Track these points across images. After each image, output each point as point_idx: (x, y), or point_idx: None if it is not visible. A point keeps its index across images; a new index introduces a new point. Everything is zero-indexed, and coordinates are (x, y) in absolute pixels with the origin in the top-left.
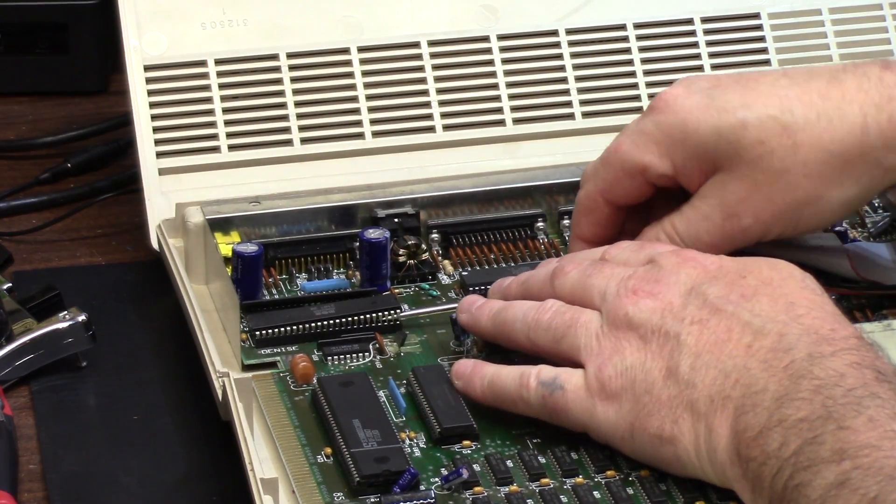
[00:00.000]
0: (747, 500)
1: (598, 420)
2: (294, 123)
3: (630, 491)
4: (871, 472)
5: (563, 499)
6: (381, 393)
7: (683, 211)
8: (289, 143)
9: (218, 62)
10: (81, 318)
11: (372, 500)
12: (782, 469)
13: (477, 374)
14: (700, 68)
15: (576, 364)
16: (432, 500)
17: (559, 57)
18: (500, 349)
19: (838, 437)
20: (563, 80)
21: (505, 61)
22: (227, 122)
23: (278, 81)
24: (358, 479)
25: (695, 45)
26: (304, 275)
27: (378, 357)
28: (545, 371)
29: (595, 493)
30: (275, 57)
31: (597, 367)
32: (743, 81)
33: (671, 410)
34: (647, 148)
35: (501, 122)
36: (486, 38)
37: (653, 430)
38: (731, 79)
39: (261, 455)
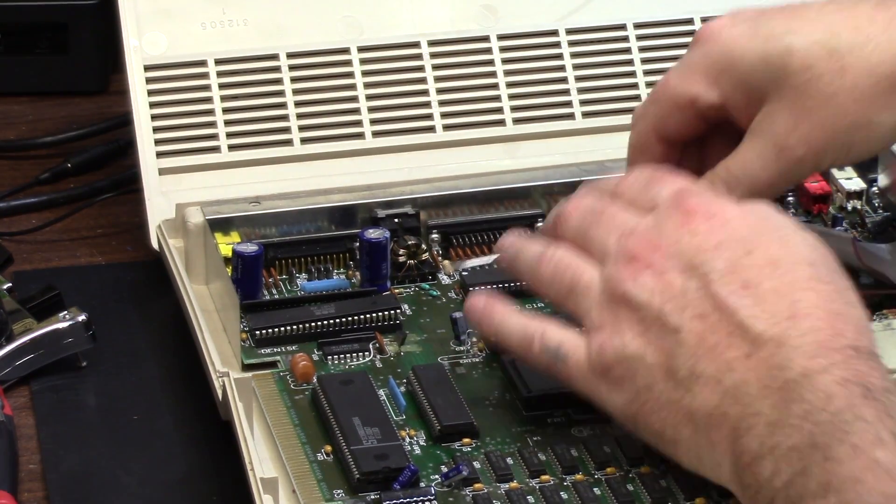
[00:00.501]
0: None
1: (603, 399)
2: (294, 123)
3: (630, 487)
4: None
5: (564, 495)
6: (381, 392)
7: (737, 152)
8: (289, 143)
9: (218, 62)
10: (81, 318)
11: (372, 496)
12: (774, 500)
13: (486, 315)
14: None
15: (579, 322)
16: (432, 497)
17: (559, 57)
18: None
19: (824, 469)
20: (563, 80)
21: (505, 61)
22: (227, 122)
23: (278, 81)
24: (358, 476)
25: None
26: (304, 275)
27: (378, 356)
28: (549, 335)
29: (595, 489)
30: (275, 57)
31: (599, 344)
32: (789, 9)
33: (671, 414)
34: (693, 78)
35: (501, 122)
36: (486, 38)
37: (654, 427)
38: (776, 8)
39: (261, 454)
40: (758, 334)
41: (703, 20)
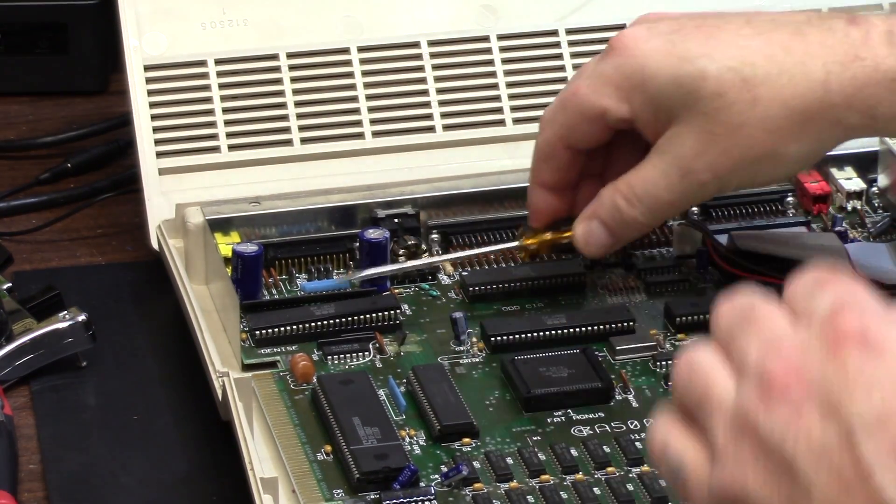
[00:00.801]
0: None
1: None
2: (294, 123)
3: (630, 487)
4: None
5: (564, 495)
6: (380, 391)
7: (640, 169)
8: (289, 143)
9: (218, 62)
10: (81, 318)
11: (372, 496)
12: None
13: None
14: None
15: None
16: (432, 497)
17: (559, 57)
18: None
19: None
20: (564, 80)
21: (505, 61)
22: (227, 122)
23: (278, 81)
24: (358, 475)
25: None
26: (304, 275)
27: (378, 356)
28: (672, 447)
29: (595, 489)
30: (275, 57)
31: (719, 479)
32: (706, 28)
33: None
34: (605, 91)
35: (501, 122)
36: (486, 38)
37: None
38: (693, 23)
39: (261, 454)
40: None
41: None
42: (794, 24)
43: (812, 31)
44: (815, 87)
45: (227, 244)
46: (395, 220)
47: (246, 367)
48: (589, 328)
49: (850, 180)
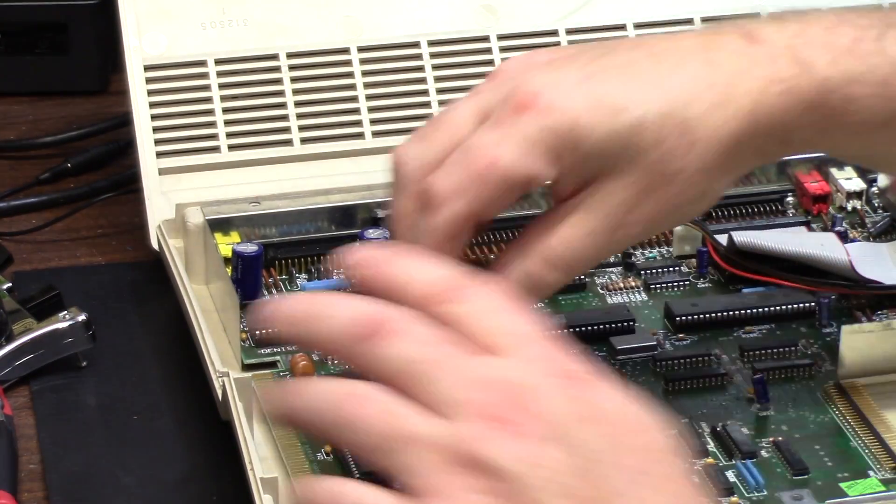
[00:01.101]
0: None
1: None
2: (294, 123)
3: None
4: None
5: None
6: None
7: (560, 230)
8: (289, 143)
9: (218, 62)
10: (81, 318)
11: None
12: None
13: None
14: None
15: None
16: None
17: None
18: None
19: None
20: None
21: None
22: (227, 122)
23: (278, 81)
24: (358, 475)
25: None
26: (304, 275)
27: None
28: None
29: None
30: (275, 57)
31: None
32: (619, 68)
33: None
34: (534, 156)
35: None
36: (486, 38)
37: None
38: (599, 63)
39: (261, 454)
40: None
41: (703, 20)
42: (698, 52)
43: (720, 58)
44: (743, 119)
45: (227, 244)
46: None
47: (246, 367)
48: (589, 328)
49: (850, 180)
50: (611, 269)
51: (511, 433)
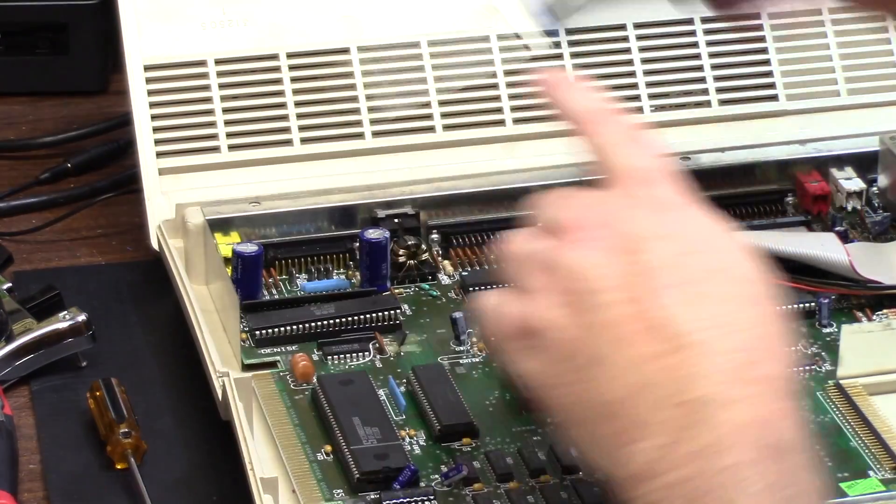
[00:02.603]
0: None
1: (517, 363)
2: (294, 123)
3: None
4: None
5: (564, 495)
6: (380, 391)
7: None
8: (289, 143)
9: (218, 62)
10: (81, 318)
11: (372, 496)
12: None
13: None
14: (700, 68)
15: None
16: (432, 497)
17: (559, 57)
18: None
19: None
20: None
21: (505, 61)
22: (227, 122)
23: (278, 81)
24: (358, 475)
25: (695, 45)
26: (304, 275)
27: (378, 356)
28: (491, 297)
29: (595, 489)
30: (275, 57)
31: (523, 308)
32: None
33: (570, 393)
34: None
35: (501, 122)
36: (486, 38)
37: (554, 402)
38: None
39: (261, 454)
40: (676, 334)
41: (703, 20)
42: None
43: None
44: None
45: (227, 244)
46: (395, 220)
47: (246, 367)
48: None
49: (850, 180)
50: None
51: (584, 243)
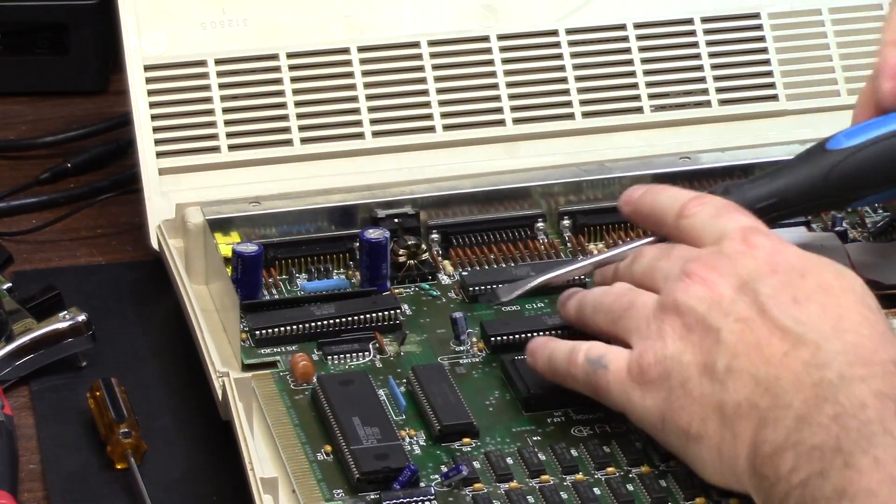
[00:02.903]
0: None
1: (634, 405)
2: (294, 123)
3: (630, 488)
4: None
5: (564, 495)
6: (380, 391)
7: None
8: (289, 143)
9: (218, 62)
10: (81, 318)
11: (372, 496)
12: (789, 495)
13: (541, 348)
14: (700, 68)
15: (629, 345)
16: (432, 497)
17: (559, 57)
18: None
19: (843, 476)
20: (563, 80)
21: (505, 61)
22: (227, 122)
23: (278, 81)
24: (358, 475)
25: (695, 45)
26: (304, 275)
27: (378, 357)
28: (594, 348)
29: (595, 489)
30: (275, 57)
31: (640, 350)
32: None
33: (701, 408)
34: None
35: (501, 122)
36: (486, 38)
37: (682, 424)
38: None
39: (261, 454)
40: (799, 336)
41: (703, 20)
42: None
43: None
44: None
45: (227, 244)
46: (395, 220)
47: (246, 367)
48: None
49: None
50: None
51: (698, 283)
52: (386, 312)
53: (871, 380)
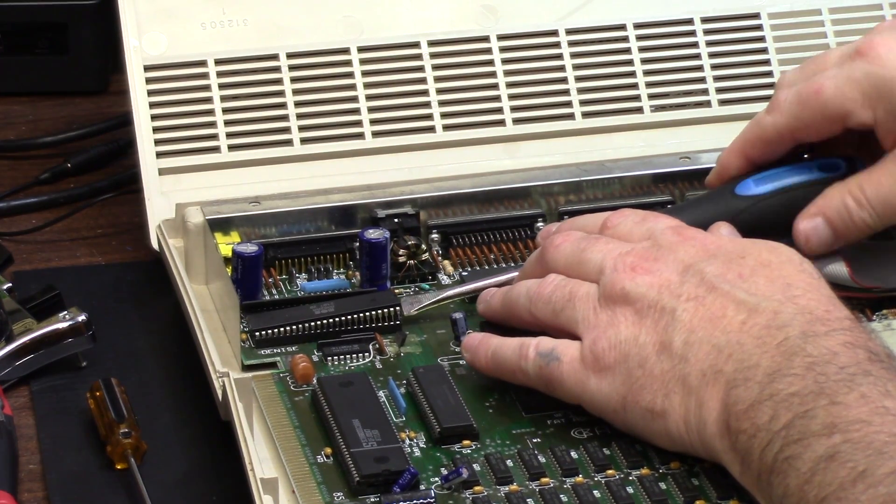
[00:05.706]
0: (735, 473)
1: (591, 392)
2: (294, 123)
3: (630, 490)
4: (861, 446)
5: (563, 498)
6: (380, 393)
7: (873, 173)
8: (289, 143)
9: (218, 62)
10: (81, 318)
11: (372, 499)
12: (772, 442)
13: (482, 345)
14: (700, 68)
15: (574, 337)
16: (432, 500)
17: (559, 57)
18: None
19: (830, 412)
20: (563, 80)
21: (505, 61)
22: (227, 122)
23: (278, 81)
24: (358, 478)
25: (695, 45)
26: (304, 275)
27: (378, 357)
28: (543, 342)
29: (595, 492)
30: (275, 57)
31: (592, 339)
32: None
33: (663, 385)
34: (851, 96)
35: (501, 122)
36: (486, 38)
37: (644, 403)
38: None
39: (261, 455)
40: (753, 306)
41: (703, 20)
42: None
43: None
44: None
45: (227, 244)
46: (395, 220)
47: (246, 368)
48: None
49: None
50: None
51: (643, 273)
52: (386, 312)
53: (833, 333)
